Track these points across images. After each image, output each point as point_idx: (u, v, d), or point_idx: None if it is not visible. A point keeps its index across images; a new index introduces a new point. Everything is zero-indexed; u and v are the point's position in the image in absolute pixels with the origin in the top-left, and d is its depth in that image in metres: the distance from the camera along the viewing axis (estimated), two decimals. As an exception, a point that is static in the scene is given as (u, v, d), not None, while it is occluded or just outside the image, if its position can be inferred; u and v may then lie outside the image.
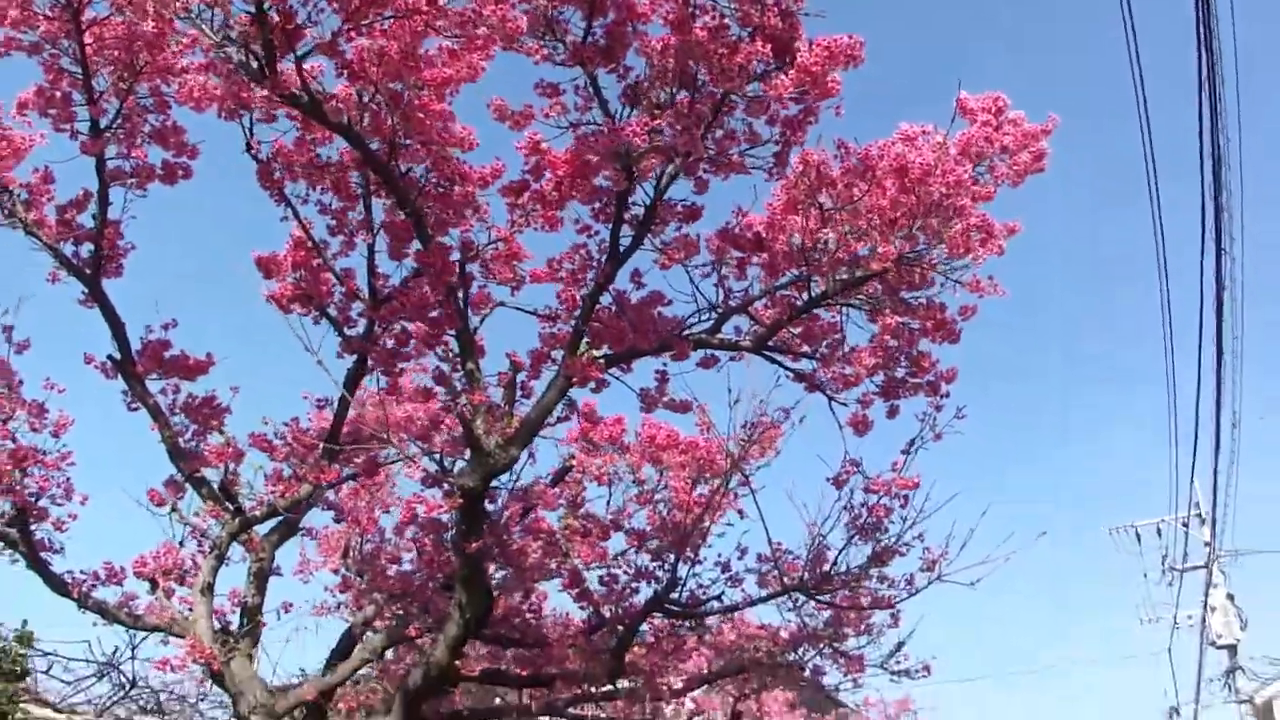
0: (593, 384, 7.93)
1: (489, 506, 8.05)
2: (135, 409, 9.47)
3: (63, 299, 9.83)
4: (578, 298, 7.19)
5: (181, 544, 9.67)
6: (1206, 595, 25.12)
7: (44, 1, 8.22)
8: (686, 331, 7.98)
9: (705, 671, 10.67)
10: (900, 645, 10.52)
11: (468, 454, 7.56)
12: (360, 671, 10.07)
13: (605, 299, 7.63)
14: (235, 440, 9.16)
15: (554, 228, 7.78)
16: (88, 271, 8.97)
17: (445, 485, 7.43)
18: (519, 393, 7.72)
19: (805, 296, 7.96)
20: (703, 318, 8.06)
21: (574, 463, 9.20)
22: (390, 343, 8.40)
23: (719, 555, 9.63)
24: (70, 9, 8.07)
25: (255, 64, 6.96)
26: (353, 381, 9.03)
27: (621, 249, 7.33)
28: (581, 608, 9.77)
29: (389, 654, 10.90)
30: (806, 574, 9.29)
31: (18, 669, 8.41)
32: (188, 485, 9.51)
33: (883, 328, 7.92)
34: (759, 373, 9.86)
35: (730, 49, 6.45)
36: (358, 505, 10.97)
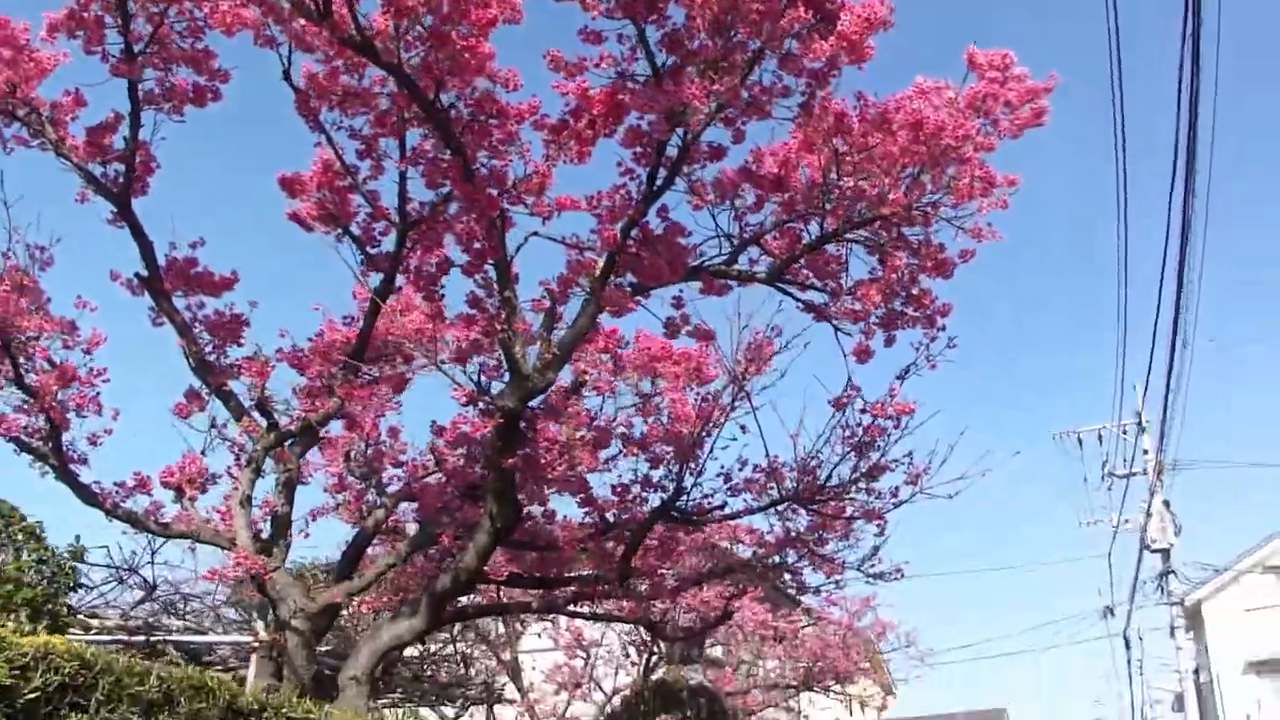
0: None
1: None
2: (160, 324, 10.08)
3: (87, 218, 10.26)
4: (616, 234, 7.89)
5: (204, 453, 10.42)
6: (1151, 500, 26.86)
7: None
8: (704, 261, 8.79)
9: (698, 572, 11.69)
10: (876, 550, 11.65)
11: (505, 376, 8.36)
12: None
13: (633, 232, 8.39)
14: (266, 356, 9.81)
15: (583, 161, 8.47)
16: (117, 191, 9.49)
17: (484, 405, 8.22)
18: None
19: (817, 232, 8.80)
20: (719, 248, 8.89)
21: (587, 378, 9.97)
22: (431, 268, 9.05)
23: (721, 467, 10.58)
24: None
25: (313, 5, 7.50)
26: (376, 300, 9.71)
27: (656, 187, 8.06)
28: (587, 514, 10.69)
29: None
30: (801, 486, 10.28)
31: (70, 582, 9.07)
32: (210, 398, 10.22)
33: (889, 267, 8.76)
34: (755, 297, 10.55)
35: (772, 13, 7.15)
36: (363, 411, 11.68)
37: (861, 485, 10.29)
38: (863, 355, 9.18)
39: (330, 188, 9.75)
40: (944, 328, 9.34)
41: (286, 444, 9.65)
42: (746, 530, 12.03)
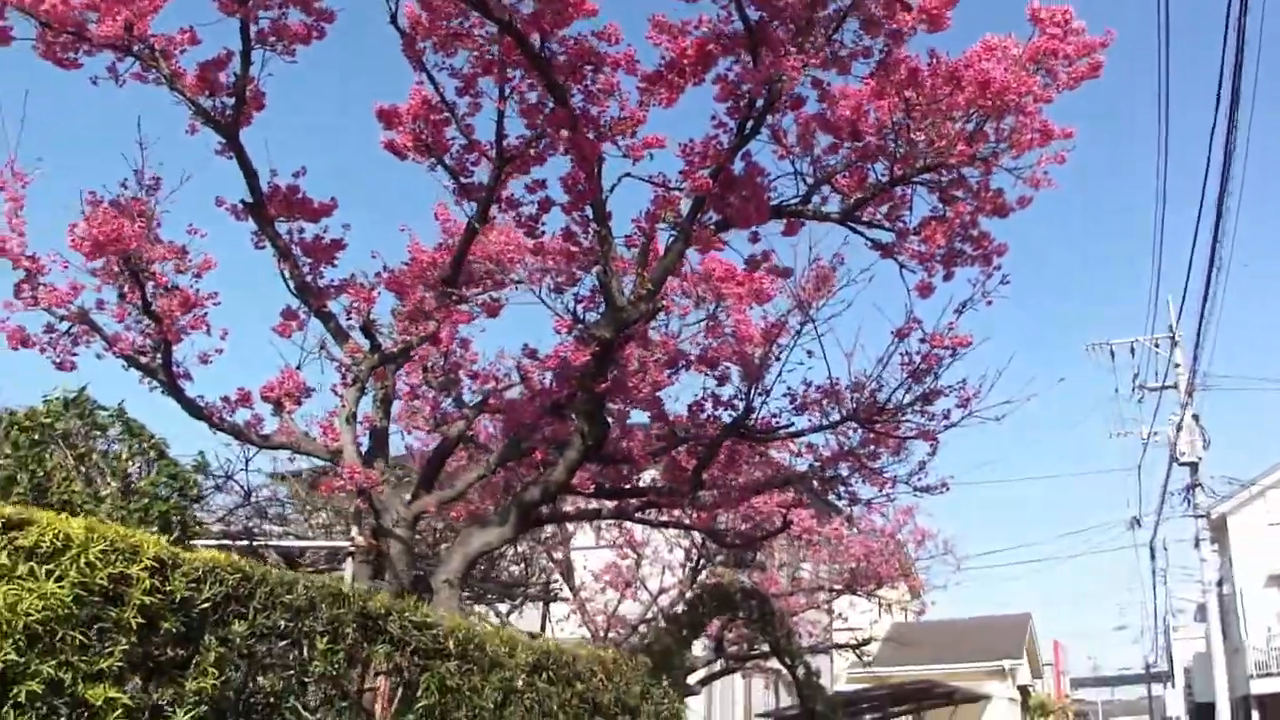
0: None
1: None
2: (261, 248, 11.03)
3: (186, 147, 11.09)
4: (707, 181, 8.78)
5: (299, 368, 11.45)
6: (1185, 411, 27.87)
7: None
8: (782, 202, 9.70)
9: (758, 483, 12.78)
10: (923, 464, 12.69)
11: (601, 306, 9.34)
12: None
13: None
14: (371, 283, 10.77)
15: (671, 105, 9.33)
16: (226, 124, 10.37)
17: (580, 333, 9.21)
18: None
19: (885, 173, 9.68)
20: (796, 188, 9.80)
21: (665, 303, 10.89)
22: (534, 207, 9.98)
23: (787, 387, 11.61)
24: None
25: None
26: (472, 228, 10.64)
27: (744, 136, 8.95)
28: (657, 429, 11.76)
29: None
30: (861, 407, 11.31)
31: (194, 494, 10.09)
32: (308, 317, 11.22)
33: (954, 211, 9.63)
34: (820, 228, 11.42)
35: None
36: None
37: (917, 408, 11.28)
38: (925, 291, 10.14)
39: (426, 120, 10.62)
40: (1000, 266, 10.25)
41: (386, 365, 10.65)
42: (805, 444, 13.07)
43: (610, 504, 12.26)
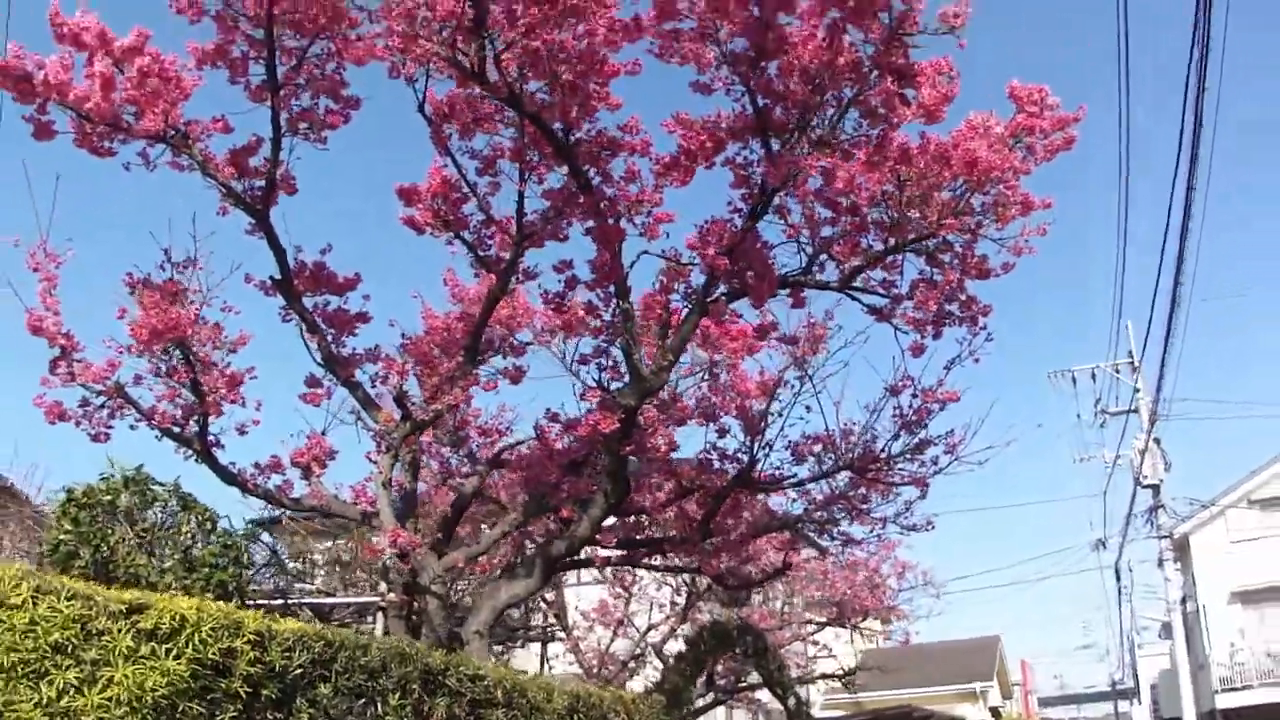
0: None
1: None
2: (289, 321, 11.83)
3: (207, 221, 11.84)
4: (724, 261, 9.74)
5: (324, 433, 12.25)
6: (1149, 435, 29.20)
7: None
8: (784, 272, 10.68)
9: (757, 528, 13.72)
10: (909, 505, 13.70)
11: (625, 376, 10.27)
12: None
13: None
14: (406, 359, 11.58)
15: (684, 185, 10.30)
16: (258, 206, 11.17)
17: (605, 402, 10.10)
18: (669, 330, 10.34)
19: (878, 243, 10.70)
20: (799, 260, 10.80)
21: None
22: (560, 284, 10.89)
23: (787, 440, 12.58)
24: (265, -15, 10.04)
25: (467, 63, 9.22)
26: (493, 300, 11.51)
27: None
28: (667, 480, 12.67)
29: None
30: (856, 456, 12.29)
31: (246, 561, 10.82)
32: (334, 387, 12.01)
33: (945, 279, 10.66)
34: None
35: (860, 79, 8.98)
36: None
37: (909, 457, 12.29)
38: (917, 351, 11.21)
39: (445, 198, 11.50)
40: (985, 326, 11.29)
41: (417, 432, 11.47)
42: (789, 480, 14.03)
43: (620, 551, 13.14)
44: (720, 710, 27.51)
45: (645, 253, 10.29)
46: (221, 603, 6.82)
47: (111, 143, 10.74)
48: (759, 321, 10.99)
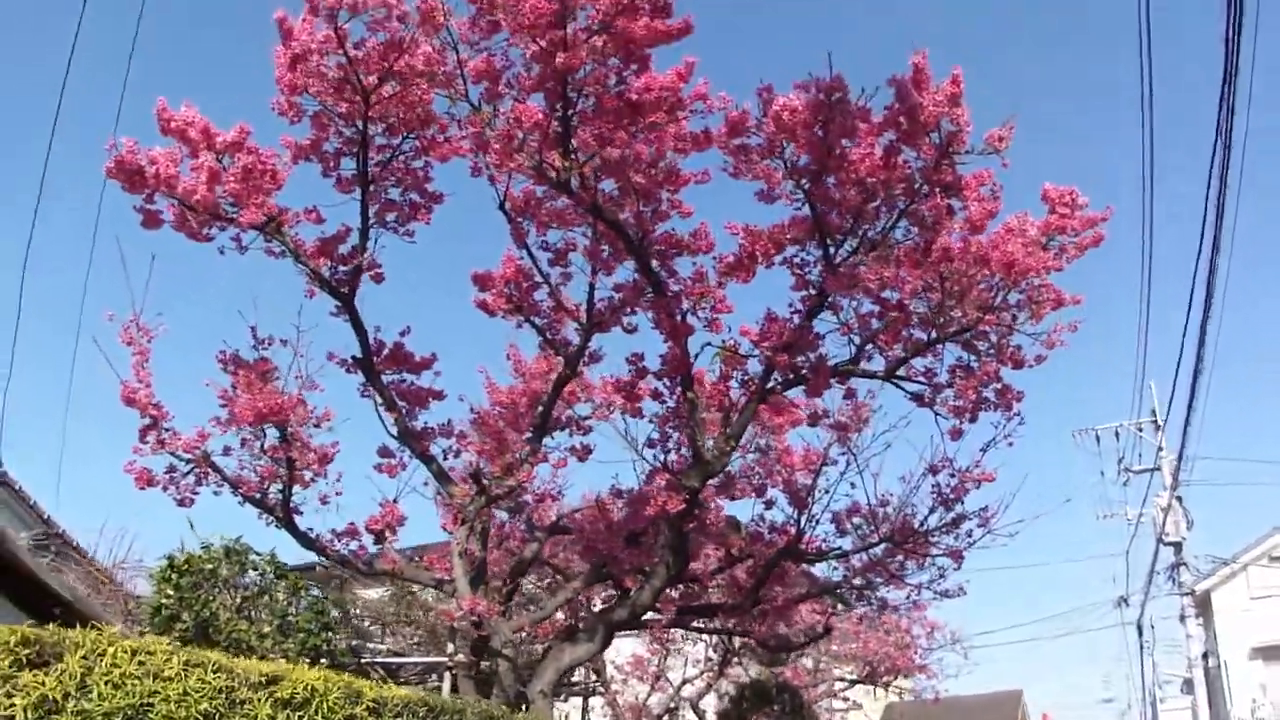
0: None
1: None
2: (367, 397, 12.84)
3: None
4: (785, 359, 10.78)
5: (395, 501, 13.25)
6: (1172, 493, 30.10)
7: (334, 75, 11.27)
8: (834, 362, 11.70)
9: (800, 594, 14.72)
10: (943, 572, 14.66)
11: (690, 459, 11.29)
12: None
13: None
14: (480, 440, 12.58)
15: (746, 283, 11.35)
16: (344, 290, 12.22)
17: (671, 483, 11.09)
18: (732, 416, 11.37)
19: (921, 334, 11.72)
20: (849, 350, 11.82)
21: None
22: (630, 374, 11.91)
23: (832, 513, 13.57)
24: (362, 92, 11.11)
25: (553, 174, 10.29)
26: (562, 381, 12.55)
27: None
28: (717, 548, 13.67)
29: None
30: (896, 530, 13.27)
31: (333, 625, 11.76)
32: (409, 460, 13.01)
33: (983, 370, 11.65)
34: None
35: (910, 192, 10.05)
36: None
37: (946, 530, 13.26)
38: (955, 435, 12.17)
39: (517, 285, 12.55)
40: (1019, 412, 12.27)
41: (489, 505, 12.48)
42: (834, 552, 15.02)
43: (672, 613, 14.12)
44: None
45: (708, 344, 11.33)
46: (343, 674, 7.82)
47: (210, 229, 11.81)
48: (811, 410, 12.00)
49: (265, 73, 11.31)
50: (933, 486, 13.07)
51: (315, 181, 12.06)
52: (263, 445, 11.75)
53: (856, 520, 13.42)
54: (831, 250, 10.70)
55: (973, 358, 11.90)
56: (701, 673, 21.96)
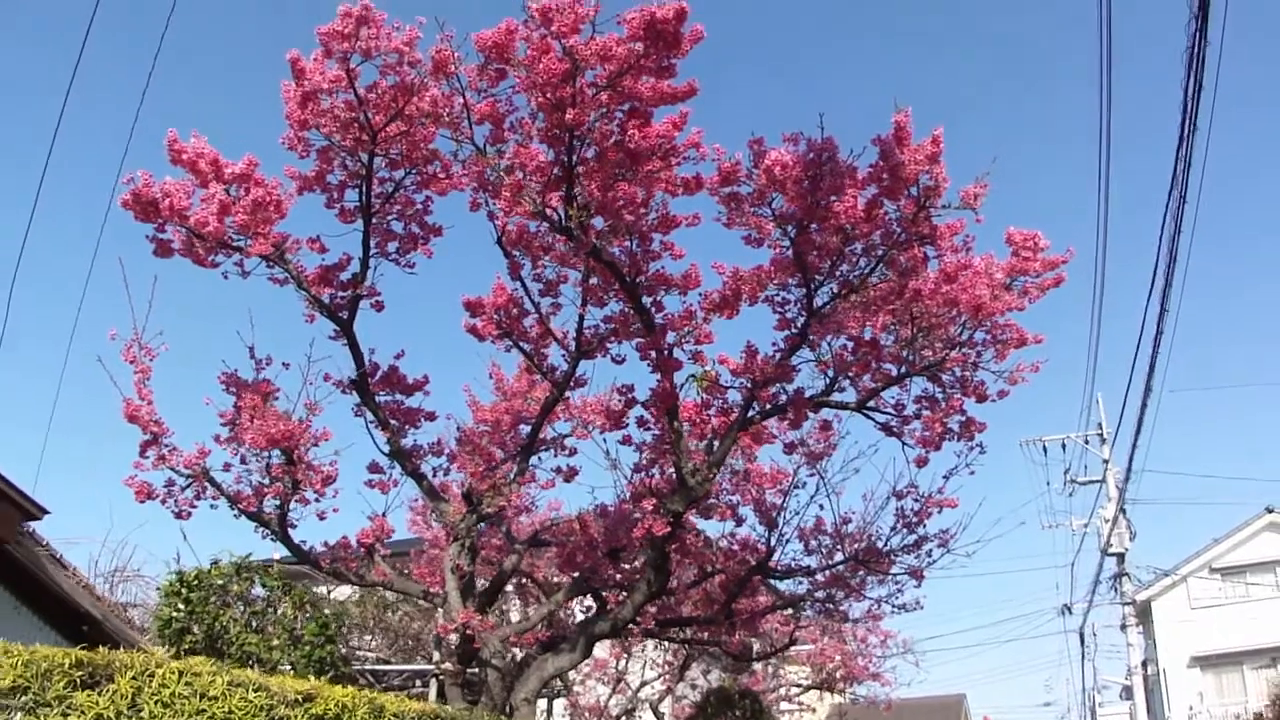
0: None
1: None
2: (360, 416, 13.63)
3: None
4: (768, 394, 11.76)
5: (385, 515, 14.06)
6: (1119, 506, 31.61)
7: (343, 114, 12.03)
8: (811, 394, 12.68)
9: (767, 606, 15.76)
10: (900, 587, 15.76)
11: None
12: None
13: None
14: (475, 463, 13.40)
15: (731, 319, 12.28)
16: (343, 316, 13.00)
17: (656, 506, 12.00)
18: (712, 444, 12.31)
19: (894, 370, 12.74)
20: (818, 379, 12.81)
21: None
22: (620, 405, 12.82)
23: (798, 529, 14.60)
24: (370, 131, 11.90)
25: (555, 216, 11.17)
26: (549, 405, 13.44)
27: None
28: (691, 563, 14.64)
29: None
30: (861, 549, 14.32)
31: (336, 637, 12.53)
32: (400, 476, 13.82)
33: (949, 404, 12.68)
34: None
35: (891, 240, 11.07)
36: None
37: (908, 550, 14.33)
38: (921, 463, 13.20)
39: (507, 311, 13.40)
40: (980, 443, 13.33)
41: (480, 523, 13.34)
42: (802, 570, 16.06)
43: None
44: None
45: (691, 376, 12.24)
46: (365, 691, 8.69)
47: (215, 255, 12.55)
48: (787, 440, 13.05)
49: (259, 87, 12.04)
50: (897, 510, 14.14)
51: (315, 208, 12.83)
52: (267, 465, 12.51)
53: (822, 537, 14.45)
54: (812, 290, 11.64)
55: (938, 390, 12.94)
56: (660, 675, 22.99)
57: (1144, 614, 37.54)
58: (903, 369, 12.60)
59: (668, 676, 22.61)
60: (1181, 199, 14.25)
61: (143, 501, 12.68)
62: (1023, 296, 12.60)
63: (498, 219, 12.26)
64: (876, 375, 12.82)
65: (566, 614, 16.06)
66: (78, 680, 7.58)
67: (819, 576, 15.44)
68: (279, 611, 11.56)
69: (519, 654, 13.89)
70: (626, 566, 13.74)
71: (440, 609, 13.55)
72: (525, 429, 14.72)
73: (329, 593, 18.33)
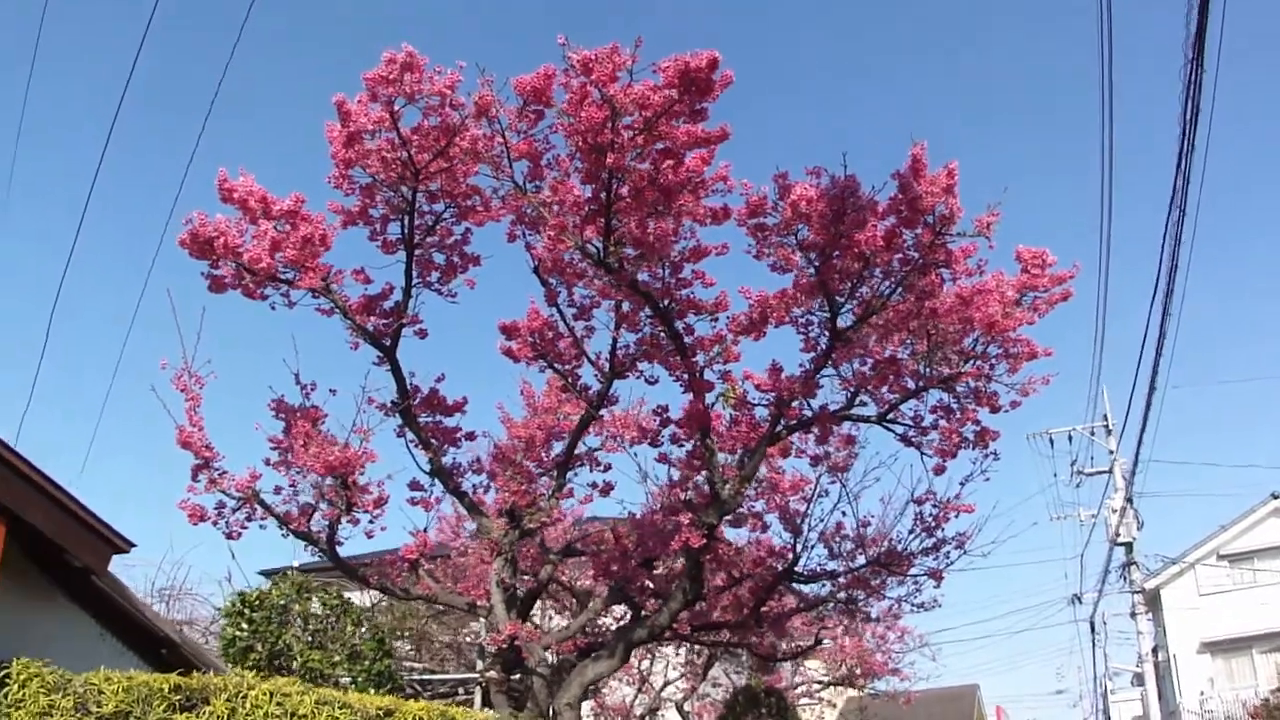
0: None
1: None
2: (400, 437, 14.55)
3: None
4: (796, 410, 12.71)
5: (425, 530, 14.99)
6: (1127, 497, 32.63)
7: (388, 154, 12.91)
8: (834, 409, 13.62)
9: (793, 608, 16.74)
10: (919, 587, 16.74)
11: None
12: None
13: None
14: (517, 483, 14.30)
15: (759, 340, 13.21)
16: (386, 342, 13.91)
17: (691, 520, 12.94)
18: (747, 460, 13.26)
19: (912, 385, 13.68)
20: (839, 394, 13.75)
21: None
22: (655, 424, 13.76)
23: (819, 534, 15.57)
24: (411, 168, 12.79)
25: (596, 253, 12.09)
26: (584, 424, 14.38)
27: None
28: (714, 570, 15.59)
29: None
30: (882, 552, 15.29)
31: (392, 651, 13.46)
32: (443, 493, 14.76)
33: (965, 415, 13.63)
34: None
35: (909, 265, 12.00)
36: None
37: (927, 552, 15.30)
38: (939, 471, 14.17)
39: (541, 334, 14.33)
40: (995, 450, 14.27)
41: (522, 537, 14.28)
42: (826, 574, 17.04)
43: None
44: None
45: (721, 395, 13.19)
46: (436, 704, 9.64)
47: (265, 289, 13.44)
48: (813, 452, 14.02)
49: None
50: (916, 515, 15.12)
51: (354, 238, 13.73)
52: (320, 488, 13.41)
53: (844, 542, 15.43)
54: (835, 312, 12.57)
55: (953, 400, 13.89)
56: (682, 675, 24.00)
57: (1153, 602, 38.60)
58: (920, 383, 13.53)
59: (691, 676, 23.62)
60: (1181, 212, 15.18)
61: (196, 524, 13.54)
62: (1032, 312, 13.52)
63: (534, 249, 13.19)
64: (894, 387, 13.76)
65: (600, 621, 16.97)
66: (176, 704, 8.48)
67: (841, 579, 16.43)
68: (339, 628, 12.45)
69: (554, 660, 14.81)
70: (660, 572, 14.66)
71: (484, 619, 14.48)
72: (557, 444, 15.71)
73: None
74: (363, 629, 12.72)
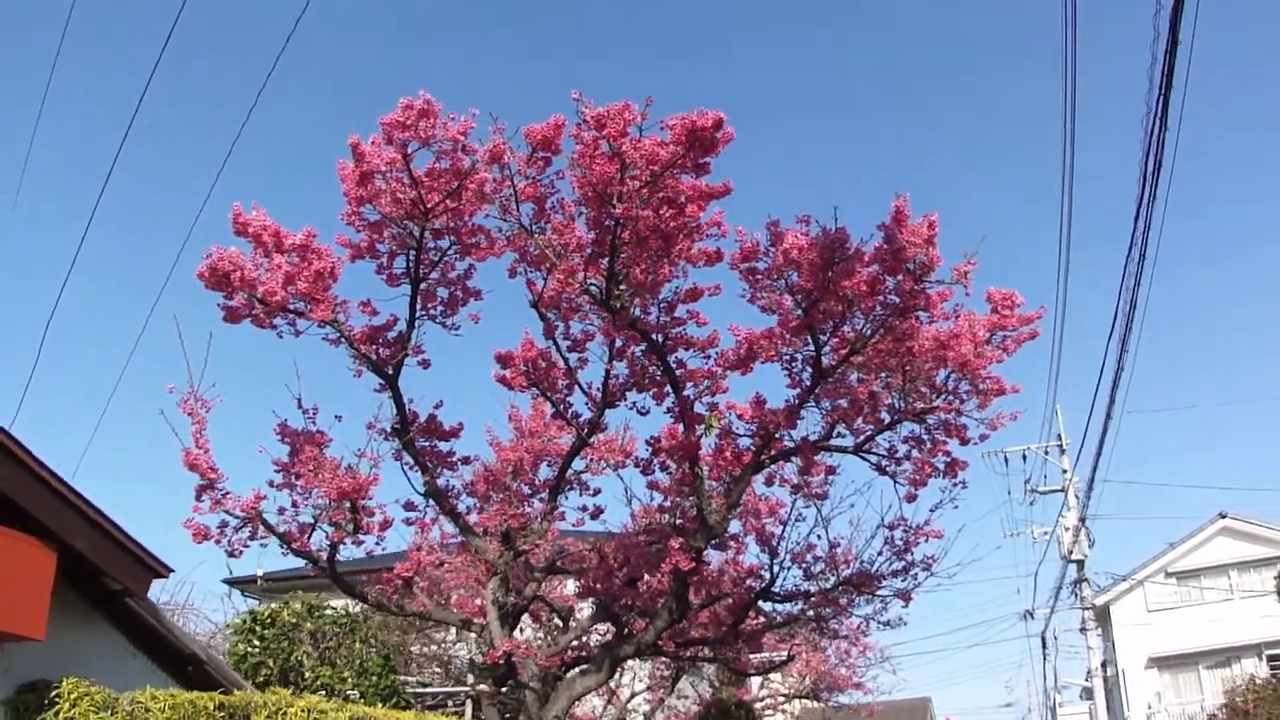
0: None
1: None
2: (398, 460, 15.52)
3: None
4: (781, 443, 13.85)
5: (419, 549, 16.00)
6: (1083, 517, 34.16)
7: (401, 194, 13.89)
8: (814, 440, 14.79)
9: (765, 626, 17.92)
10: (885, 605, 17.98)
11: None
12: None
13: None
14: (511, 508, 15.33)
15: (746, 375, 14.36)
16: (388, 371, 14.87)
17: (680, 544, 14.04)
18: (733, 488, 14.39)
19: (888, 418, 14.88)
20: (818, 425, 14.92)
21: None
22: (647, 454, 14.87)
23: (791, 554, 16.73)
24: (421, 208, 13.78)
25: (599, 294, 13.15)
26: (575, 450, 15.45)
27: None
28: (695, 588, 16.72)
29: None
30: (854, 574, 16.49)
31: (398, 668, 14.41)
32: (437, 515, 15.76)
33: (936, 447, 14.85)
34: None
35: (890, 308, 13.18)
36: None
37: (897, 574, 16.53)
38: (911, 498, 15.38)
39: (535, 364, 15.38)
40: (964, 480, 15.52)
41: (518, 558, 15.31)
42: (801, 594, 18.22)
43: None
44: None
45: (706, 425, 14.31)
46: (445, 718, 10.67)
47: (274, 318, 14.35)
48: (795, 481, 15.20)
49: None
50: (887, 539, 16.33)
51: (359, 270, 14.70)
52: (327, 512, 14.36)
53: (816, 563, 16.62)
54: (820, 351, 13.72)
55: (924, 433, 15.11)
56: (649, 687, 25.12)
57: (1103, 617, 40.24)
58: (894, 416, 14.73)
59: (661, 690, 24.73)
60: (1141, 257, 16.52)
61: (200, 542, 14.34)
62: (1001, 350, 14.76)
63: (534, 285, 14.23)
64: (870, 419, 14.94)
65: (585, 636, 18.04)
66: (220, 720, 9.42)
67: (813, 598, 17.61)
68: (347, 645, 13.38)
69: (541, 674, 15.84)
70: (643, 589, 15.77)
71: (476, 635, 15.51)
72: (544, 467, 16.79)
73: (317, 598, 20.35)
74: (370, 647, 13.65)
